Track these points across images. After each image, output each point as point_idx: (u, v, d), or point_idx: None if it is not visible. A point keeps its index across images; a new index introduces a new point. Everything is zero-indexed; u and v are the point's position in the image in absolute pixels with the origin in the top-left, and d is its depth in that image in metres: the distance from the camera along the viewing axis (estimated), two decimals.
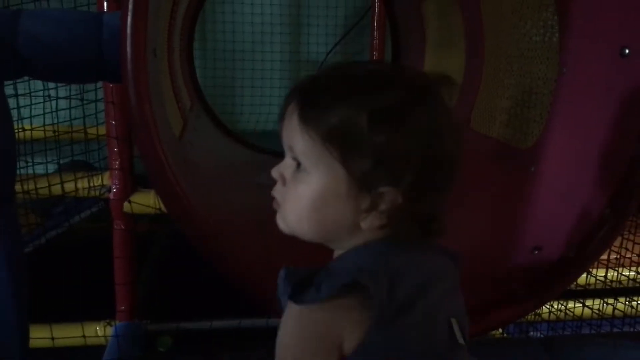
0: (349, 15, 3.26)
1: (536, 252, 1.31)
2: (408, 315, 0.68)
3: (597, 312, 2.09)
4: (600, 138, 1.30)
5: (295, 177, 0.72)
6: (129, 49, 1.03)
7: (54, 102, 1.94)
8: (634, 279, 2.03)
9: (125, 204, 1.98)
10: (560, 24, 1.46)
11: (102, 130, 2.03)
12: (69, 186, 2.05)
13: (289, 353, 0.70)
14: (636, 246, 1.88)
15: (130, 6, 1.05)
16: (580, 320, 2.11)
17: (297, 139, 0.70)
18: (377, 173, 0.67)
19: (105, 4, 1.64)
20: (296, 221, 0.74)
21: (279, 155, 0.76)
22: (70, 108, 2.02)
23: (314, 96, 0.71)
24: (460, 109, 1.94)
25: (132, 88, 1.02)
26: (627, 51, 1.24)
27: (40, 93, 1.91)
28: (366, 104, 0.67)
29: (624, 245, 1.89)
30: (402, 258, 0.71)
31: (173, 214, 1.08)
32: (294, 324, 0.70)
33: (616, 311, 2.07)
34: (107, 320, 2.05)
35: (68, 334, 1.96)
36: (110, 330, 2.01)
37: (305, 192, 0.71)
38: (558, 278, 1.24)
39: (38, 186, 2.04)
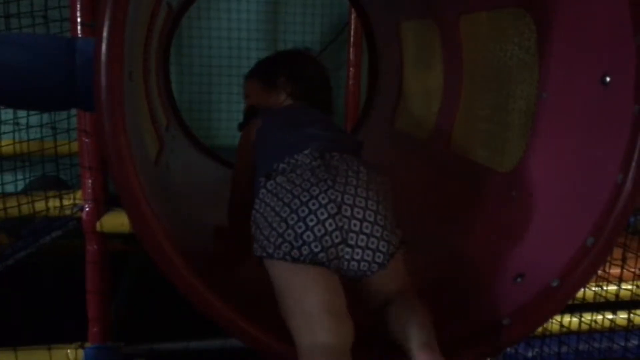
0: (325, 32, 3.26)
1: (519, 280, 1.29)
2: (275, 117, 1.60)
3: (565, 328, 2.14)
4: (581, 165, 1.28)
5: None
6: (103, 78, 0.99)
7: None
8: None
9: (98, 223, 1.94)
10: (540, 49, 1.45)
11: (75, 146, 1.98)
12: (40, 204, 2.00)
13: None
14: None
15: (104, 33, 1.01)
16: (558, 336, 2.15)
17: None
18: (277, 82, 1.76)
19: (79, 28, 1.58)
20: None
21: None
22: (42, 125, 1.98)
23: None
24: (440, 130, 1.93)
25: (107, 119, 0.98)
26: (608, 79, 1.23)
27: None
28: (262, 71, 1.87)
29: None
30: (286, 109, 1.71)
31: (148, 249, 1.04)
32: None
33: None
34: (79, 343, 2.00)
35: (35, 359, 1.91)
36: (81, 354, 1.96)
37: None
38: (541, 308, 1.22)
39: (7, 205, 1.99)
